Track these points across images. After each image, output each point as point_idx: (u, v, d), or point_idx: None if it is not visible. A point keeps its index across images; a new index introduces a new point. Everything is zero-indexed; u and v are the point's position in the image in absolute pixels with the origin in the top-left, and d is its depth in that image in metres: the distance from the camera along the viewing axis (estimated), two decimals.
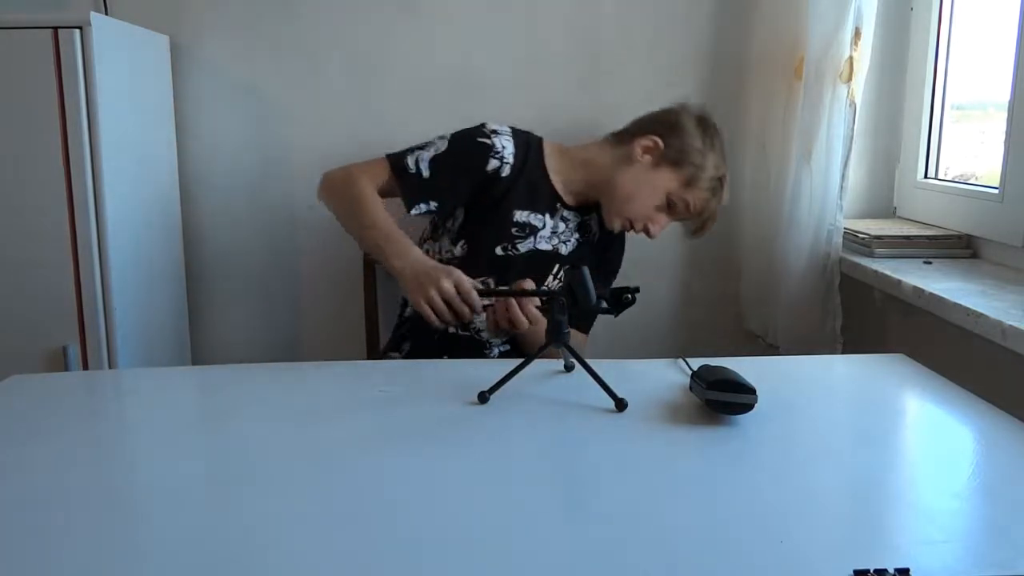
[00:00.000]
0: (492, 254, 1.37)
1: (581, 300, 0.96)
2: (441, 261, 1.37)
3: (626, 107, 1.87)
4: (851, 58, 1.59)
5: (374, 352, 1.66)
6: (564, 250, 1.43)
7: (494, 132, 1.38)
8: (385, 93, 1.81)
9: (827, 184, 1.63)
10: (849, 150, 1.62)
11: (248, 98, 1.82)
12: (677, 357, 1.11)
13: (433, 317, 1.14)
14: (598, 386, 0.95)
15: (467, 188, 1.36)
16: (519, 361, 1.00)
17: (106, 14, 1.71)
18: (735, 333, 1.95)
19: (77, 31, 1.38)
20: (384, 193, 1.35)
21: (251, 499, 0.73)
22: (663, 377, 1.05)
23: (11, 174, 1.42)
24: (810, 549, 0.65)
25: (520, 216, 1.38)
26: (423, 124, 1.70)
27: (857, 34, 1.58)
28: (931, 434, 0.94)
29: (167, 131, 1.77)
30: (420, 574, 0.62)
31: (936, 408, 0.99)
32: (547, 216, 1.40)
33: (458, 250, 1.39)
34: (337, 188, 1.35)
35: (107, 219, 1.45)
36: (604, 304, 0.99)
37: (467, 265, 1.33)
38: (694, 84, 1.87)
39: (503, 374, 0.97)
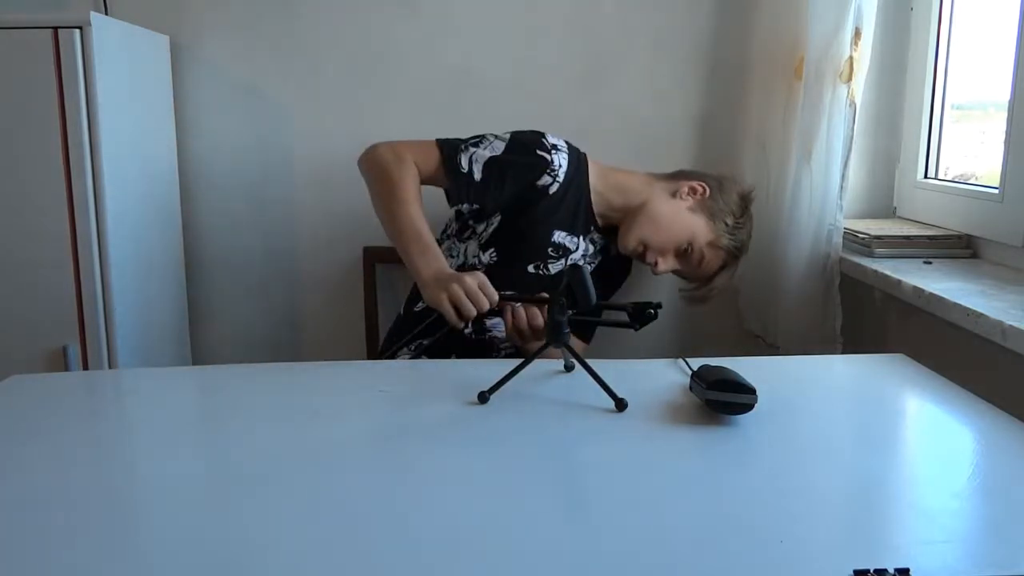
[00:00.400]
0: (524, 270, 1.36)
1: (581, 300, 0.96)
2: (465, 265, 1.37)
3: (626, 107, 1.88)
4: (851, 58, 1.59)
5: (374, 352, 1.66)
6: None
7: (554, 147, 1.36)
8: (385, 93, 1.81)
9: (827, 184, 1.62)
10: (849, 150, 1.62)
11: (248, 98, 1.82)
12: (677, 357, 1.11)
13: (453, 314, 1.12)
14: (598, 386, 0.95)
15: (512, 196, 1.35)
16: (519, 361, 1.00)
17: (106, 14, 1.71)
18: (735, 333, 1.95)
19: (77, 31, 1.38)
20: (427, 180, 1.32)
21: (251, 499, 0.73)
22: (663, 377, 1.05)
23: (11, 174, 1.42)
24: (810, 549, 0.65)
25: (559, 237, 1.38)
26: (423, 124, 1.70)
27: (857, 34, 1.58)
28: (931, 434, 0.94)
29: (167, 131, 1.77)
30: (420, 574, 0.62)
31: (936, 408, 0.99)
32: (581, 238, 1.41)
33: (486, 257, 1.37)
34: (380, 165, 1.29)
35: (107, 219, 1.45)
36: (627, 318, 1.01)
37: (494, 275, 1.31)
38: (694, 84, 1.87)
39: (503, 374, 0.97)
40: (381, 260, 1.76)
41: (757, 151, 1.83)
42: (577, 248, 1.40)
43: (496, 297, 1.13)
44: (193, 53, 1.80)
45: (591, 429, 0.89)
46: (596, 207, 1.42)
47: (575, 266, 0.98)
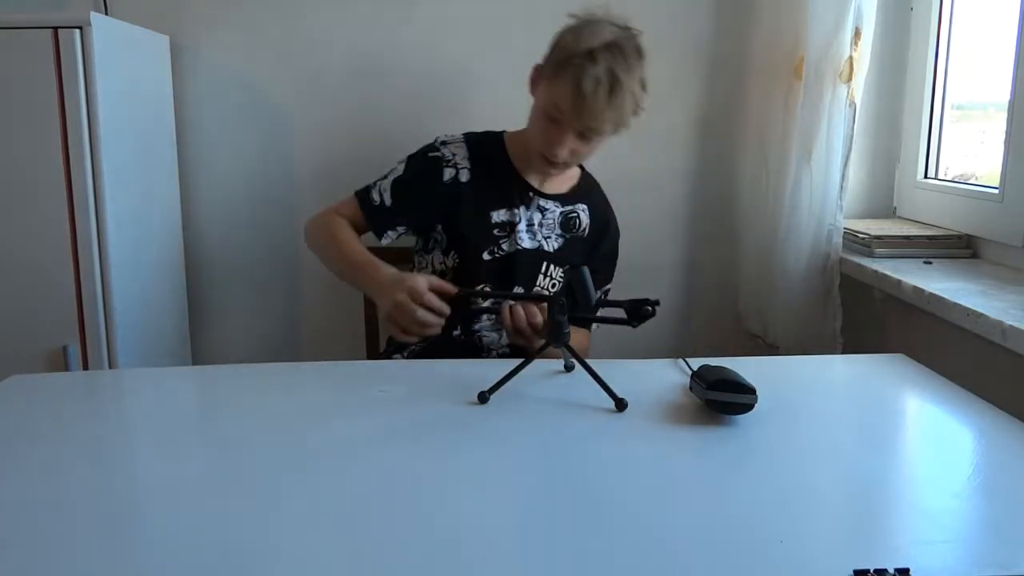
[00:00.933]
0: (481, 260, 1.37)
1: (581, 300, 0.96)
2: (436, 273, 1.37)
3: None
4: (851, 58, 1.59)
5: (374, 352, 1.66)
6: (549, 247, 1.40)
7: (444, 143, 1.39)
8: (385, 93, 1.81)
9: (827, 184, 1.63)
10: (849, 150, 1.62)
11: (248, 98, 1.82)
12: (677, 357, 1.11)
13: (399, 333, 1.13)
14: (598, 386, 0.95)
15: (432, 204, 1.37)
16: (519, 361, 1.00)
17: (106, 14, 1.71)
18: (735, 333, 1.95)
19: (77, 31, 1.38)
20: (361, 228, 1.38)
21: (251, 499, 0.73)
22: (663, 377, 1.05)
23: (11, 174, 1.42)
24: (810, 549, 0.65)
25: (497, 216, 1.37)
26: (423, 124, 1.70)
27: (857, 34, 1.58)
28: (931, 434, 0.94)
29: (167, 131, 1.77)
30: (420, 573, 0.62)
31: (936, 408, 0.99)
32: (521, 209, 1.38)
33: (450, 261, 1.39)
34: (316, 234, 1.39)
35: (107, 219, 1.45)
36: (624, 315, 1.00)
37: (462, 273, 1.35)
38: (694, 84, 1.87)
39: (503, 374, 0.97)
40: (381, 260, 1.75)
41: (757, 151, 1.83)
42: (520, 219, 1.37)
43: (445, 310, 1.12)
44: (193, 53, 1.80)
45: (591, 429, 0.89)
46: (525, 174, 1.39)
47: (575, 266, 0.98)
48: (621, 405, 0.94)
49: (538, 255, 1.39)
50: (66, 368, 1.46)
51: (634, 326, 1.01)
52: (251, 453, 0.83)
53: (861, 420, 0.96)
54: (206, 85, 1.81)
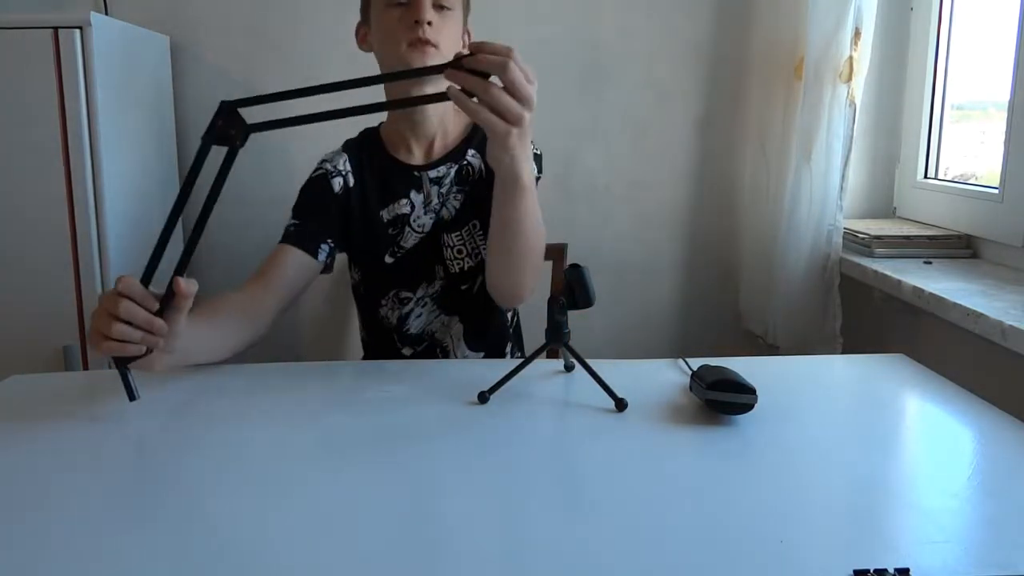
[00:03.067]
0: (384, 265, 1.27)
1: (581, 300, 0.96)
2: (353, 288, 1.34)
3: (626, 107, 1.88)
4: (851, 58, 1.59)
5: None
6: (447, 213, 1.26)
7: (325, 160, 1.30)
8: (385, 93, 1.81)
9: (827, 184, 1.63)
10: (849, 150, 1.62)
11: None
12: (677, 357, 1.11)
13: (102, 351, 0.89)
14: (598, 386, 0.95)
15: (334, 219, 1.26)
16: (519, 361, 1.00)
17: (106, 14, 1.71)
18: (735, 333, 1.95)
19: (77, 31, 1.39)
20: (291, 271, 1.21)
21: (251, 499, 0.73)
22: (663, 377, 1.05)
23: (11, 174, 1.42)
24: (810, 549, 0.65)
25: (386, 214, 1.27)
26: None
27: (857, 34, 1.58)
28: (931, 434, 0.94)
29: (167, 131, 1.77)
30: (419, 573, 0.62)
31: (936, 408, 0.99)
32: (412, 194, 1.26)
33: (356, 275, 1.33)
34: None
35: (107, 219, 1.45)
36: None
37: (371, 285, 1.30)
38: (694, 84, 1.87)
39: (503, 374, 0.97)
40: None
41: (757, 151, 1.83)
42: (413, 207, 1.26)
43: (140, 317, 0.86)
44: (193, 53, 1.80)
45: (591, 429, 0.89)
46: (405, 156, 1.28)
47: (575, 266, 0.98)
48: (621, 405, 0.94)
49: (436, 228, 1.26)
50: (66, 368, 1.46)
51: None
52: (251, 453, 0.83)
53: (861, 420, 0.96)
54: (206, 85, 1.81)
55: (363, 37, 1.26)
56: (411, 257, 1.27)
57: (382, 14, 1.19)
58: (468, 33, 1.30)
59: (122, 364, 0.90)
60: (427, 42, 1.15)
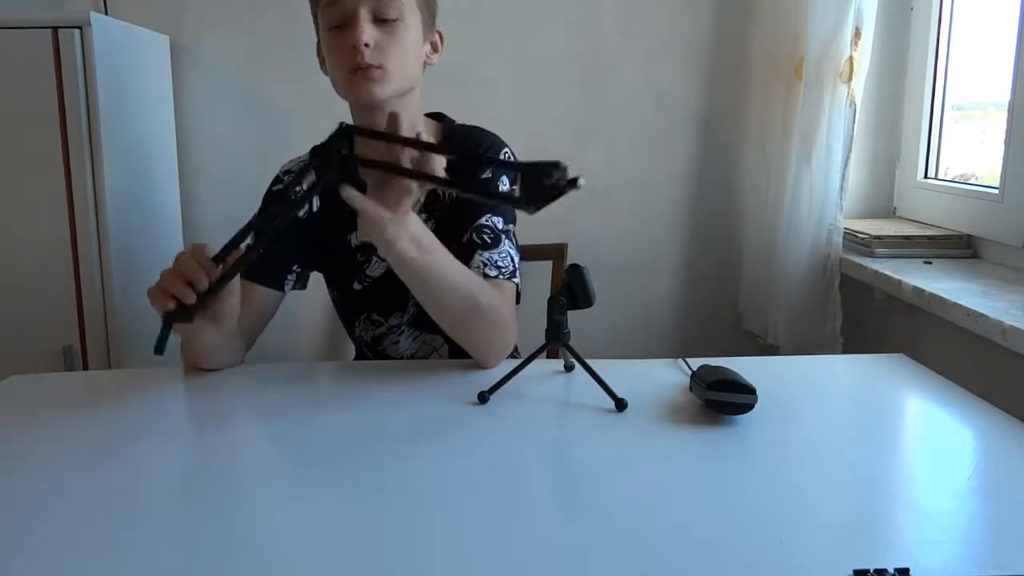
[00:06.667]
0: (352, 292, 1.21)
1: (581, 300, 0.96)
2: (332, 302, 1.31)
3: (626, 107, 1.88)
4: (851, 58, 1.59)
5: None
6: None
7: (287, 172, 1.21)
8: None
9: (827, 184, 1.63)
10: (849, 150, 1.62)
11: (248, 98, 1.82)
12: (677, 357, 1.11)
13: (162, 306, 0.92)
14: (598, 386, 0.95)
15: (302, 241, 1.18)
16: (519, 361, 1.00)
17: (106, 14, 1.71)
18: (735, 333, 1.95)
19: (77, 31, 1.39)
20: (266, 306, 1.18)
21: (251, 499, 0.73)
22: (663, 377, 1.05)
23: (11, 174, 1.42)
24: (810, 549, 0.65)
25: (354, 239, 1.18)
26: None
27: (857, 34, 1.58)
28: (931, 434, 0.94)
29: (167, 131, 1.77)
30: (420, 573, 0.62)
31: (936, 408, 0.99)
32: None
33: (332, 292, 1.28)
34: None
35: (107, 219, 1.45)
36: (516, 193, 0.73)
37: (342, 306, 1.27)
38: (694, 84, 1.87)
39: (503, 374, 0.97)
40: None
41: (757, 151, 1.83)
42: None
43: (199, 260, 0.94)
44: (193, 53, 1.80)
45: (591, 429, 0.89)
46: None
47: (575, 266, 0.98)
48: (621, 405, 0.94)
49: None
50: (66, 368, 1.46)
51: (531, 212, 0.71)
52: (251, 453, 0.83)
53: (861, 420, 0.95)
54: (206, 85, 1.81)
55: (321, 61, 1.16)
56: (380, 286, 1.20)
57: (325, 38, 1.10)
58: (439, 35, 1.21)
59: (171, 321, 0.93)
60: (369, 67, 1.05)
